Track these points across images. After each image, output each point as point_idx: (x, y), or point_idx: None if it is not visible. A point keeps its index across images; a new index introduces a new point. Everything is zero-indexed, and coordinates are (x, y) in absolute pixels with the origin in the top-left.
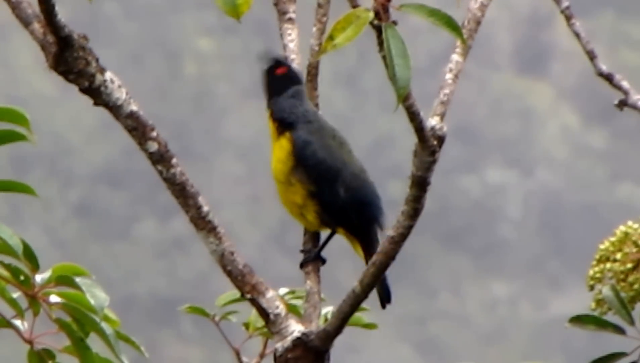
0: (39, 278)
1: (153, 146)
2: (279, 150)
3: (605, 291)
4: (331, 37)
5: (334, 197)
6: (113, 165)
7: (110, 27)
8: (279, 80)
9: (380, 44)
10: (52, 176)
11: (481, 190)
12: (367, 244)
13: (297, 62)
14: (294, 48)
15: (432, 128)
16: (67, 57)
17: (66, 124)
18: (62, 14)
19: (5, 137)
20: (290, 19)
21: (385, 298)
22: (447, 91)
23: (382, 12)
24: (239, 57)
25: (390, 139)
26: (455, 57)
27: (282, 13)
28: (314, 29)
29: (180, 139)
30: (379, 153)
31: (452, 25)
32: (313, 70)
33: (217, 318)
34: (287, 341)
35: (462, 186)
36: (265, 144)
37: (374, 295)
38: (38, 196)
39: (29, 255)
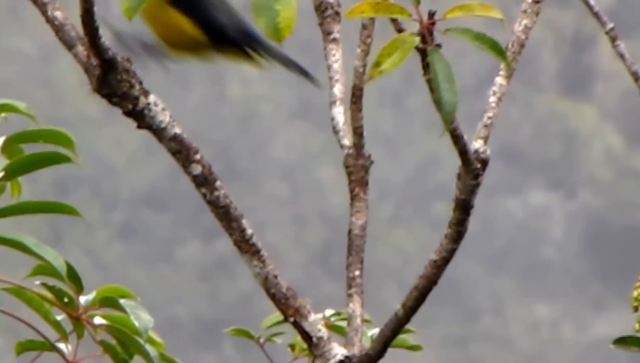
0: (83, 300)
1: (197, 169)
2: None
3: None
4: (377, 64)
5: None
6: (156, 187)
7: None
8: None
9: (425, 67)
10: (95, 198)
11: (524, 212)
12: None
13: (342, 83)
14: (339, 68)
15: (476, 151)
16: (111, 80)
17: (110, 146)
18: (106, 36)
19: (51, 159)
20: (334, 40)
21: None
22: (490, 114)
23: (427, 36)
24: (284, 78)
25: (435, 159)
26: (499, 80)
27: (326, 33)
28: (359, 50)
29: (225, 160)
30: (424, 173)
31: (497, 49)
32: (358, 92)
33: (261, 340)
34: None
35: (506, 207)
36: (311, 166)
37: (416, 318)
38: (83, 218)
39: (73, 277)
